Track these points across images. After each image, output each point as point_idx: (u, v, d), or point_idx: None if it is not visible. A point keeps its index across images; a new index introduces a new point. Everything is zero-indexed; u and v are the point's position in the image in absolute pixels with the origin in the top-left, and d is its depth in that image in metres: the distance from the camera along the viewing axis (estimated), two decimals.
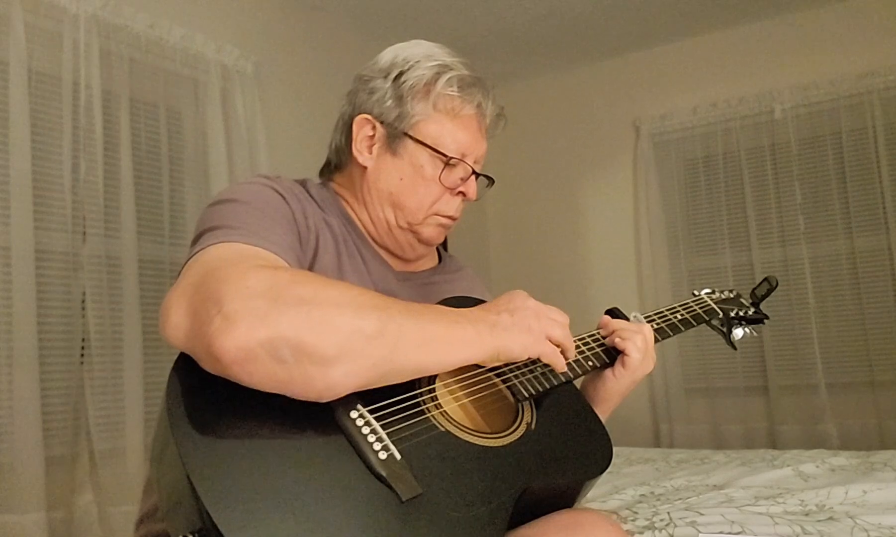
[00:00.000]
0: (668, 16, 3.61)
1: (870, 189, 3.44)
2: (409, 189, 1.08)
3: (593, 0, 3.40)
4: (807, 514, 1.45)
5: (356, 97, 1.11)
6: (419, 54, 1.08)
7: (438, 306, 0.89)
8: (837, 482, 1.71)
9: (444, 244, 1.49)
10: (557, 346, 0.94)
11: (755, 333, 1.38)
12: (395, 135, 1.07)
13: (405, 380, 0.84)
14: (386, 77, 1.08)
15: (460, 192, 1.10)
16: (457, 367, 0.88)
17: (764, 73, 3.68)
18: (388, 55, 1.11)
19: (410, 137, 1.07)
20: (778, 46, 3.67)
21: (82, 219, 2.30)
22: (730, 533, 1.32)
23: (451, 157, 1.06)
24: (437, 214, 1.10)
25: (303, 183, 1.11)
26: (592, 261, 4.11)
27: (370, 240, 1.12)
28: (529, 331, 0.90)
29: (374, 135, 1.09)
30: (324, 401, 0.77)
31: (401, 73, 1.07)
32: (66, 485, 2.18)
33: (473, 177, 1.10)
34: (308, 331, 0.74)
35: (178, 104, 2.69)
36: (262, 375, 0.74)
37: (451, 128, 1.07)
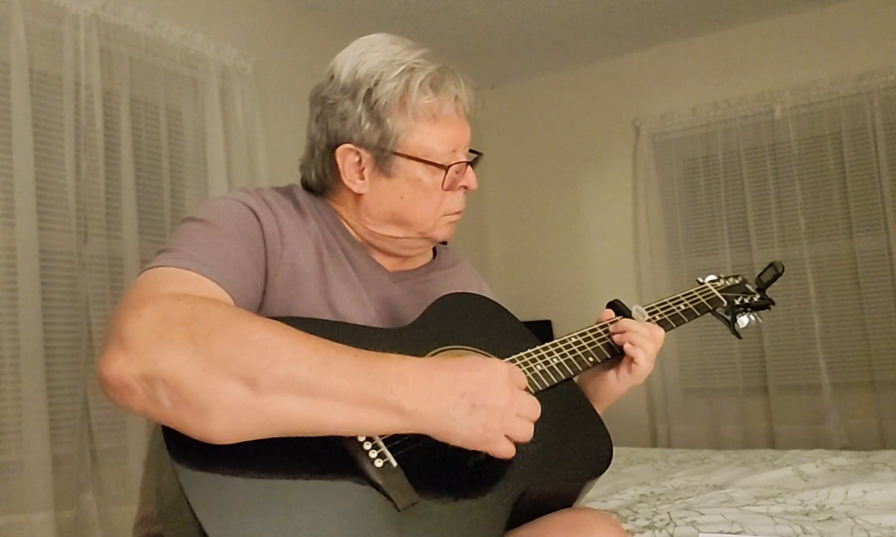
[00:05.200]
0: (668, 16, 3.61)
1: (870, 189, 3.44)
2: (411, 205, 1.04)
3: (593, 0, 3.40)
4: (807, 514, 1.45)
5: (326, 124, 1.04)
6: (379, 62, 1.01)
7: (389, 360, 0.78)
8: (837, 482, 1.71)
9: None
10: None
11: (761, 320, 1.33)
12: (384, 156, 1.02)
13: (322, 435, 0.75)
14: (353, 97, 1.01)
15: (462, 187, 1.08)
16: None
17: (764, 73, 3.68)
18: (345, 70, 1.03)
19: (400, 155, 1.02)
20: (778, 46, 3.67)
21: (84, 220, 2.31)
22: (730, 533, 1.32)
23: (447, 165, 1.03)
24: (445, 215, 1.08)
25: (289, 190, 1.08)
26: (592, 261, 4.11)
27: (362, 245, 1.09)
28: (486, 429, 0.79)
29: (360, 161, 1.03)
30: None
31: (369, 91, 1.00)
32: (74, 484, 2.18)
33: (470, 167, 1.08)
34: (188, 374, 0.69)
35: (178, 104, 2.70)
36: (140, 410, 0.71)
37: (436, 131, 1.02)
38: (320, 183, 1.09)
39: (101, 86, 2.38)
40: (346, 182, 1.04)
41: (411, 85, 1.00)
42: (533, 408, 0.84)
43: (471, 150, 1.10)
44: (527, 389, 0.86)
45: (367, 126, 1.01)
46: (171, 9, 2.69)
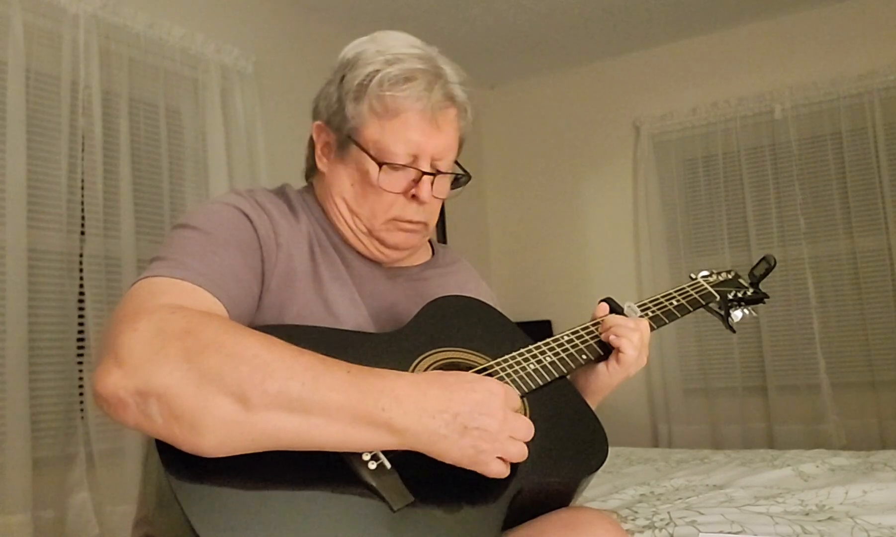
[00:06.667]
0: (668, 16, 3.61)
1: (870, 189, 3.44)
2: (360, 195, 1.03)
3: (593, 0, 3.40)
4: (807, 514, 1.45)
5: (318, 102, 1.08)
6: (369, 50, 1.01)
7: (383, 376, 0.77)
8: (837, 482, 1.71)
9: (444, 236, 1.46)
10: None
11: (755, 314, 1.33)
12: (342, 140, 1.03)
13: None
14: (337, 78, 1.04)
15: (412, 196, 1.02)
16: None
17: (764, 73, 3.68)
18: (343, 52, 1.05)
19: (354, 142, 1.01)
20: (778, 46, 3.67)
21: (81, 220, 2.30)
22: (730, 533, 1.32)
23: (385, 163, 0.99)
24: (396, 219, 1.03)
25: (281, 191, 1.08)
26: (592, 261, 4.10)
27: (354, 240, 1.07)
28: (478, 451, 0.79)
29: (329, 142, 1.05)
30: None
31: (344, 75, 1.02)
32: (58, 486, 2.17)
33: (427, 178, 1.02)
34: (181, 391, 0.69)
35: (178, 104, 2.69)
36: (133, 424, 0.71)
37: (393, 129, 0.99)
38: (307, 163, 1.12)
39: (100, 86, 2.37)
40: (317, 159, 1.07)
41: (375, 76, 0.99)
42: (527, 430, 0.83)
43: (457, 164, 1.08)
44: (521, 405, 0.84)
45: (335, 107, 1.03)
46: (171, 9, 2.69)
